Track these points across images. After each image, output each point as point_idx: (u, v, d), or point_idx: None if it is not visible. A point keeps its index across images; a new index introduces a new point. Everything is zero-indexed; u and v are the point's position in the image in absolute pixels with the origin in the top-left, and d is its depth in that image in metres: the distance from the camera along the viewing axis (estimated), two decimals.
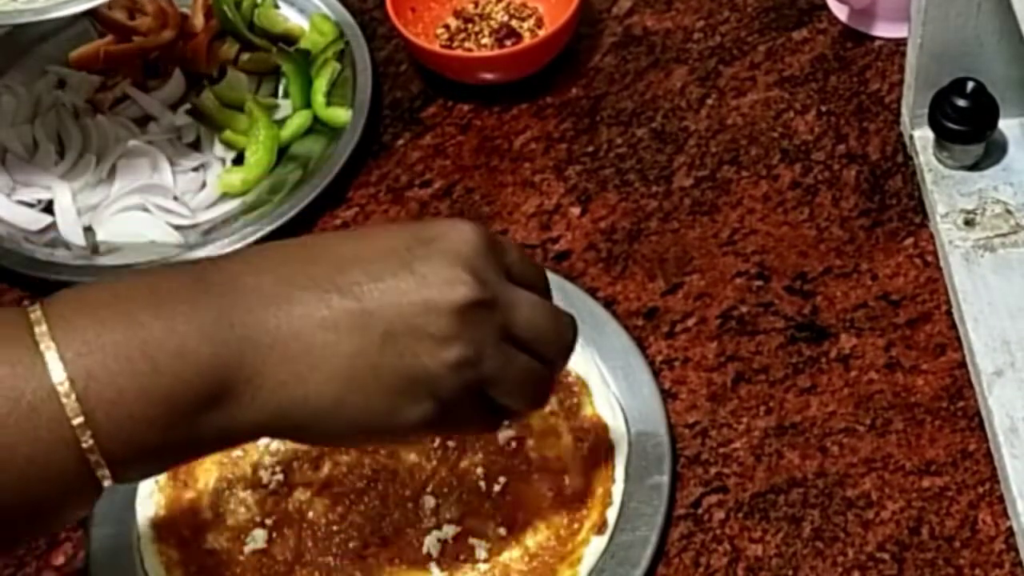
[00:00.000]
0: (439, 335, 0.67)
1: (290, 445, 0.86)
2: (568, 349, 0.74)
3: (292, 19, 1.11)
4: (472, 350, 0.68)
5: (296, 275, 0.66)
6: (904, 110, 0.97)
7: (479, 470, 0.84)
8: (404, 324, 0.66)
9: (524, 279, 0.72)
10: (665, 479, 0.83)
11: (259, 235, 0.98)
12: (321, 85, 1.05)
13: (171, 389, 0.63)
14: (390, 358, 0.66)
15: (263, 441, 0.86)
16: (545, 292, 0.74)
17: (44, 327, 0.62)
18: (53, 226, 1.01)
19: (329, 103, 1.05)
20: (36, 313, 0.62)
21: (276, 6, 1.12)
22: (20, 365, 0.61)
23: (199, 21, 1.10)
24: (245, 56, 1.09)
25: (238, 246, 0.97)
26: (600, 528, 0.81)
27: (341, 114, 1.04)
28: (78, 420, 0.61)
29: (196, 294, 0.64)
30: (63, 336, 0.61)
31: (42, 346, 0.61)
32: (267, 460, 0.86)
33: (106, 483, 0.63)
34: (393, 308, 0.66)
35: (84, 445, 0.61)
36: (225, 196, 1.02)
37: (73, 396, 0.61)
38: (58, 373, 0.61)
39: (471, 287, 0.67)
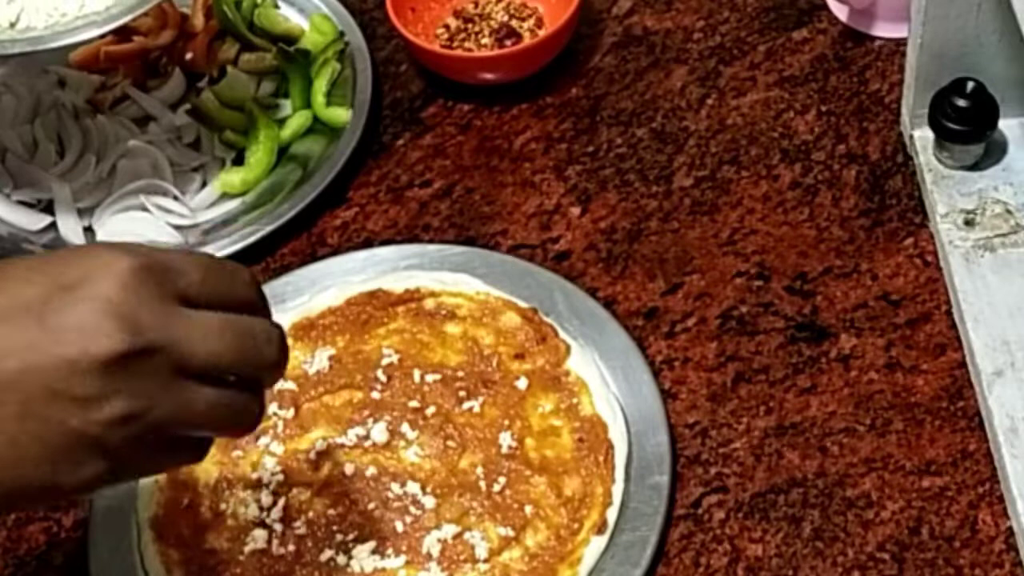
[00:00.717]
0: (85, 396, 0.60)
1: (290, 445, 0.86)
2: (272, 364, 0.66)
3: (292, 19, 1.11)
4: (132, 403, 0.60)
5: None
6: (904, 110, 0.97)
7: (479, 470, 0.84)
8: (42, 390, 0.59)
9: (211, 299, 0.64)
10: (665, 479, 0.83)
11: (259, 235, 0.98)
12: (321, 85, 1.06)
13: None
14: (34, 429, 0.60)
15: (263, 441, 0.86)
16: (243, 305, 0.66)
17: None
18: (53, 226, 1.01)
19: (329, 103, 1.05)
20: None
21: (276, 6, 1.12)
22: None
23: (199, 21, 1.10)
24: (245, 56, 1.09)
25: (238, 246, 0.97)
26: (600, 528, 0.81)
27: (341, 114, 1.04)
28: None
29: None
30: None
31: None
32: (267, 460, 0.86)
33: None
34: (27, 375, 0.59)
35: None
36: (225, 196, 1.02)
37: None
38: None
39: (116, 337, 0.60)
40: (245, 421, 0.67)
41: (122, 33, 1.10)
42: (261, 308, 0.68)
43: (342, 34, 1.09)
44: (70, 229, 1.00)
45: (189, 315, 0.63)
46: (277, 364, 0.67)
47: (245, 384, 0.66)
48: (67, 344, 0.59)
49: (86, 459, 0.61)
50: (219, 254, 0.97)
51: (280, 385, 0.89)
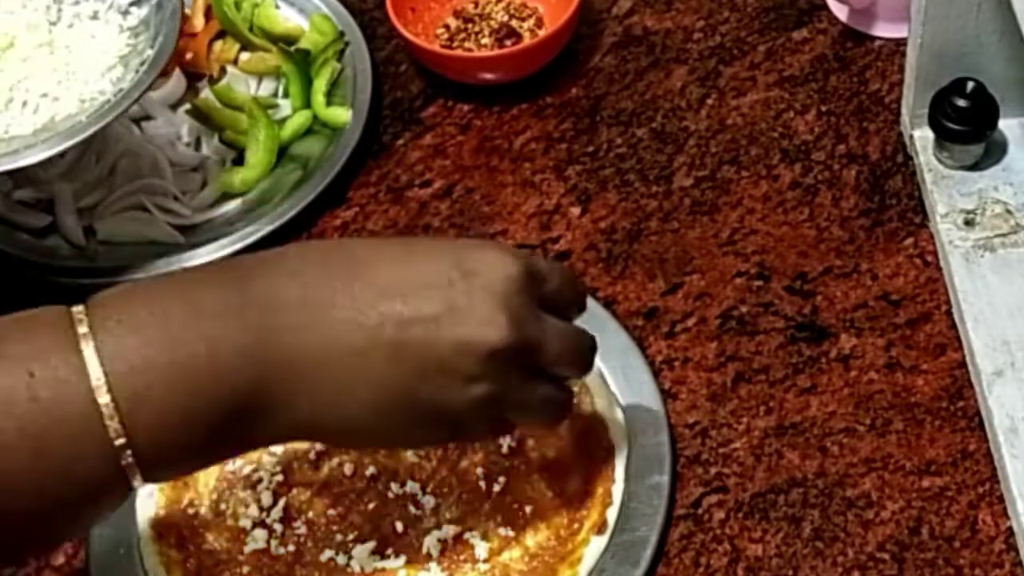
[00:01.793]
0: (468, 374, 0.69)
1: (290, 445, 0.86)
2: (586, 370, 0.77)
3: (292, 19, 1.11)
4: (497, 388, 0.70)
5: (337, 295, 0.68)
6: (904, 110, 0.97)
7: (479, 470, 0.84)
8: (437, 361, 0.68)
9: (560, 305, 0.74)
10: (665, 479, 0.83)
11: (259, 235, 0.98)
12: (321, 85, 1.05)
13: (210, 410, 0.65)
14: (420, 391, 0.69)
15: None
16: (577, 311, 0.77)
17: (91, 346, 0.63)
18: (53, 226, 1.01)
19: (329, 103, 1.05)
20: (83, 327, 0.64)
21: (276, 6, 1.12)
22: (66, 384, 0.63)
23: (199, 21, 1.10)
24: (245, 56, 1.09)
25: (238, 246, 0.97)
26: (600, 528, 0.81)
27: (341, 114, 1.04)
28: (120, 441, 0.63)
29: (237, 310, 0.66)
30: (109, 357, 0.63)
31: (89, 367, 0.63)
32: (267, 460, 0.86)
33: (136, 485, 0.65)
34: (427, 344, 0.68)
35: (124, 463, 0.64)
36: (225, 196, 1.02)
37: (116, 419, 0.63)
38: (103, 395, 0.63)
39: (505, 330, 0.69)
40: (558, 415, 0.77)
41: None
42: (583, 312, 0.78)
43: (342, 34, 1.09)
44: (70, 229, 1.00)
45: (547, 320, 0.73)
46: (589, 369, 0.78)
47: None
48: (466, 326, 0.68)
49: (442, 426, 0.71)
50: (219, 254, 0.97)
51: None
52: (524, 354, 0.71)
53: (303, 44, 1.08)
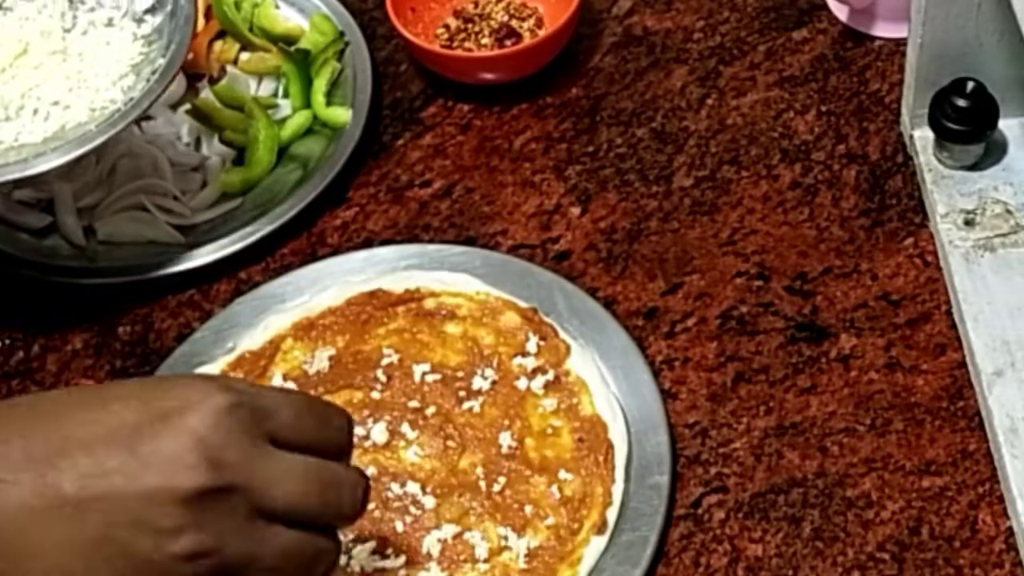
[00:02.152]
0: (162, 528, 0.61)
1: None
2: (352, 515, 0.67)
3: (292, 19, 1.11)
4: (207, 540, 0.61)
5: (14, 452, 0.61)
6: (904, 110, 0.97)
7: (479, 470, 0.84)
8: (125, 516, 0.61)
9: (301, 441, 0.65)
10: (665, 479, 0.83)
11: (259, 235, 0.98)
12: (321, 85, 1.05)
13: None
14: (110, 553, 0.61)
15: None
16: (334, 449, 0.67)
17: None
18: (53, 226, 1.01)
19: (329, 103, 1.05)
20: None
21: (276, 6, 1.12)
22: None
23: (199, 21, 1.10)
24: (245, 56, 1.09)
25: (238, 246, 0.97)
26: (600, 528, 0.81)
27: (341, 114, 1.04)
28: None
29: None
30: None
31: None
32: None
33: None
34: (112, 499, 0.61)
35: None
36: (225, 196, 1.02)
37: None
38: None
39: (201, 473, 0.61)
40: (319, 567, 0.66)
41: None
42: (342, 445, 0.68)
43: (342, 34, 1.09)
44: (70, 229, 1.00)
45: (276, 457, 0.63)
46: (356, 515, 0.67)
47: (321, 529, 0.66)
48: (153, 474, 0.60)
49: None
50: (219, 254, 0.97)
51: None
52: (234, 497, 0.62)
53: (303, 44, 1.08)
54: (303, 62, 1.06)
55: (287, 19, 1.11)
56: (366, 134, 1.03)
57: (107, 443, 0.61)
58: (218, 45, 1.10)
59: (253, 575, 0.64)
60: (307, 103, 1.05)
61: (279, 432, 0.64)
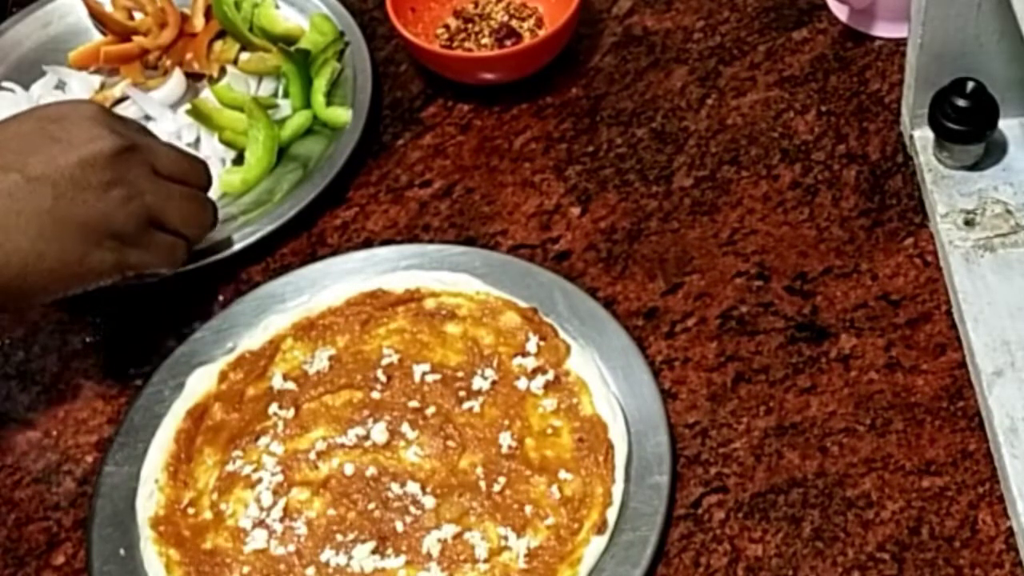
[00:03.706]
0: (100, 182, 0.83)
1: (290, 445, 0.86)
2: (207, 179, 0.93)
3: (292, 19, 1.11)
4: (132, 187, 0.84)
5: None
6: (904, 110, 0.97)
7: (479, 470, 0.84)
8: (68, 182, 0.81)
9: (149, 135, 0.91)
10: (665, 479, 0.83)
11: (259, 235, 0.98)
12: (321, 85, 1.05)
13: None
14: (66, 210, 0.81)
15: (263, 441, 0.86)
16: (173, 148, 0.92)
17: None
18: None
19: (329, 103, 1.05)
20: None
21: (276, 6, 1.12)
22: None
23: (199, 21, 1.10)
24: (245, 56, 1.09)
25: (239, 246, 0.97)
26: (600, 528, 0.81)
27: (341, 114, 1.04)
28: None
29: None
30: None
31: None
32: (267, 460, 0.86)
33: None
34: (55, 171, 0.81)
35: None
36: (225, 196, 1.02)
37: None
38: None
39: (113, 138, 0.84)
40: (210, 212, 0.92)
41: (122, 33, 1.10)
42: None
43: (342, 34, 1.09)
44: None
45: (148, 135, 0.90)
46: (210, 181, 0.93)
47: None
48: (81, 147, 0.83)
49: (105, 239, 0.83)
50: (219, 254, 0.97)
51: (280, 385, 0.89)
52: (138, 154, 0.85)
53: (303, 44, 1.08)
54: (303, 62, 1.06)
55: (287, 19, 1.11)
56: (366, 134, 1.03)
57: (28, 140, 0.83)
58: (218, 45, 1.10)
59: (166, 218, 0.87)
60: (307, 103, 1.05)
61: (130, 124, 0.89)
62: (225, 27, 1.10)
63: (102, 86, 1.09)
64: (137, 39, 1.09)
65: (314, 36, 1.09)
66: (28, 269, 0.80)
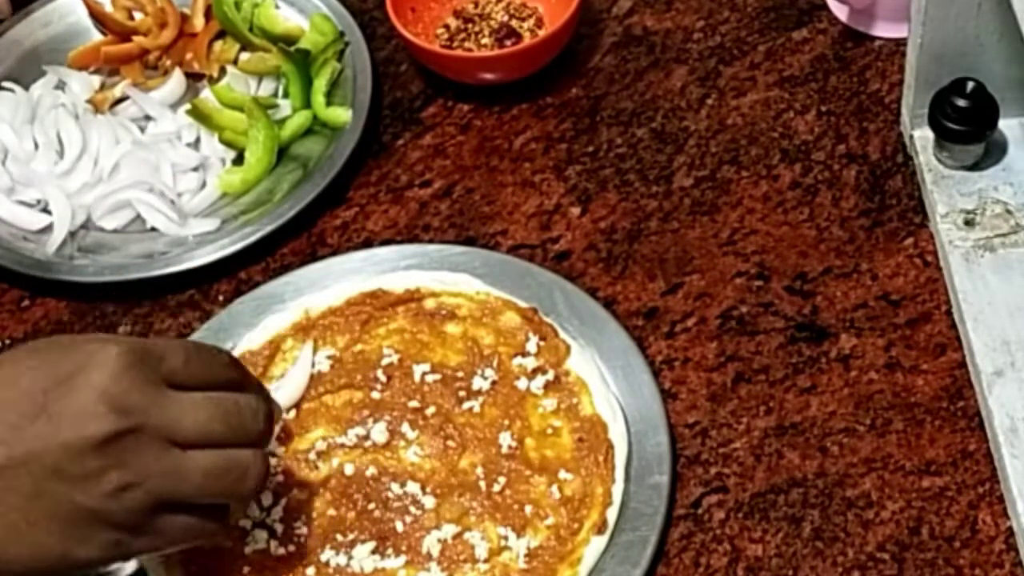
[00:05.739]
0: (85, 473, 0.67)
1: (290, 445, 0.86)
2: (259, 433, 0.74)
3: (292, 19, 1.11)
4: (127, 475, 0.68)
5: None
6: (904, 110, 0.97)
7: (479, 470, 0.84)
8: (49, 471, 0.67)
9: (195, 379, 0.72)
10: (665, 479, 0.83)
11: (259, 235, 0.98)
12: (321, 85, 1.05)
13: None
14: (45, 507, 0.68)
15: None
16: (227, 384, 0.74)
17: None
18: (52, 226, 1.01)
19: (329, 103, 1.05)
20: None
21: (276, 6, 1.12)
22: None
23: (199, 21, 1.10)
24: (245, 56, 1.09)
25: (238, 246, 0.97)
26: (600, 528, 0.81)
27: (341, 114, 1.04)
28: None
29: None
30: None
31: None
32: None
33: None
34: (35, 457, 0.67)
35: None
36: (225, 196, 1.02)
37: None
38: None
39: (109, 419, 0.68)
40: (248, 481, 0.73)
41: (122, 33, 1.10)
42: (246, 386, 0.75)
43: (342, 34, 1.09)
44: (69, 229, 1.00)
45: (176, 395, 0.70)
46: (264, 432, 0.74)
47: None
48: (66, 429, 0.67)
49: (94, 532, 0.69)
50: (219, 254, 0.97)
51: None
52: (144, 433, 0.69)
53: (303, 44, 1.08)
54: (303, 62, 1.06)
55: (287, 19, 1.11)
56: (366, 134, 1.03)
57: (20, 410, 0.68)
58: (218, 45, 1.10)
59: (187, 497, 0.71)
60: (307, 103, 1.05)
61: (174, 376, 0.71)
62: (225, 27, 1.10)
63: (102, 86, 1.09)
64: (137, 39, 1.09)
65: (314, 36, 1.09)
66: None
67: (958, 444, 0.84)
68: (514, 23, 1.08)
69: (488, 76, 1.06)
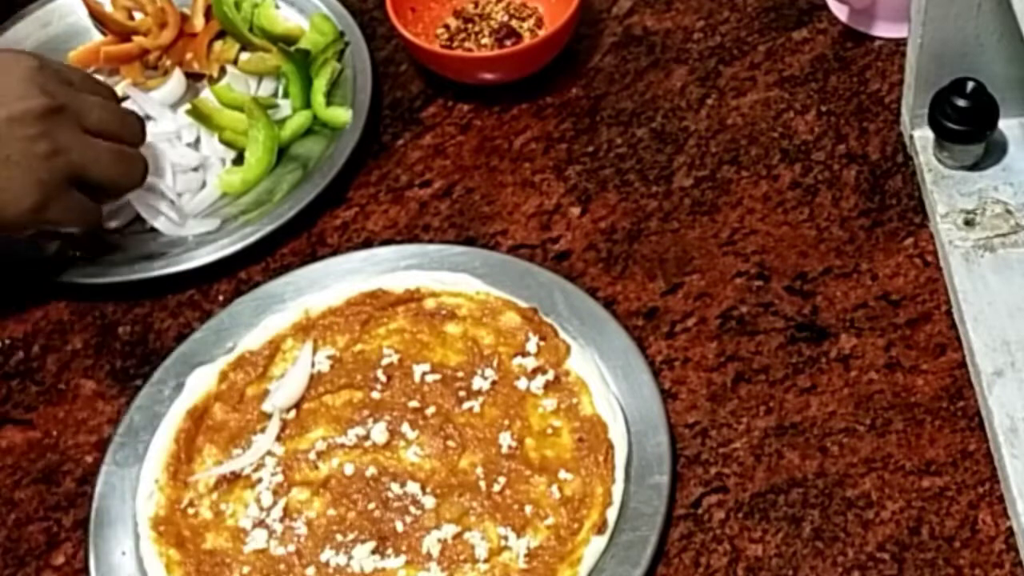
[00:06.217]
0: (26, 137, 0.87)
1: (290, 445, 0.86)
2: (139, 134, 0.96)
3: (292, 19, 1.11)
4: (57, 143, 0.88)
5: None
6: (904, 110, 0.97)
7: (479, 470, 0.84)
8: None
9: (88, 90, 0.94)
10: (665, 479, 0.83)
11: (259, 235, 0.98)
12: (321, 85, 1.05)
13: None
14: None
15: (263, 443, 0.86)
16: (112, 98, 0.97)
17: None
18: None
19: (329, 103, 1.05)
20: None
21: (276, 6, 1.12)
22: None
23: (199, 21, 1.10)
24: (245, 56, 1.09)
25: (238, 246, 0.97)
26: (600, 528, 0.81)
27: (341, 114, 1.04)
28: None
29: None
30: None
31: None
32: (267, 460, 0.86)
33: None
34: None
35: None
36: (225, 196, 1.02)
37: None
38: None
39: (40, 98, 0.88)
40: (136, 171, 0.95)
41: (122, 33, 1.10)
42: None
43: (342, 34, 1.09)
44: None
45: (82, 93, 0.93)
46: (142, 134, 0.97)
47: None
48: (9, 104, 0.88)
49: (24, 192, 0.88)
50: (219, 254, 0.97)
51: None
52: (66, 113, 0.89)
53: (303, 44, 1.08)
54: (303, 62, 1.06)
55: (287, 19, 1.11)
56: (366, 134, 1.03)
57: None
58: (218, 45, 1.10)
59: (91, 172, 0.91)
60: (307, 103, 1.05)
61: (76, 83, 0.94)
62: (225, 27, 1.10)
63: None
64: (137, 39, 1.09)
65: (314, 36, 1.09)
66: None
67: (958, 444, 0.84)
68: (514, 23, 1.08)
69: (488, 76, 1.06)
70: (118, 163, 0.93)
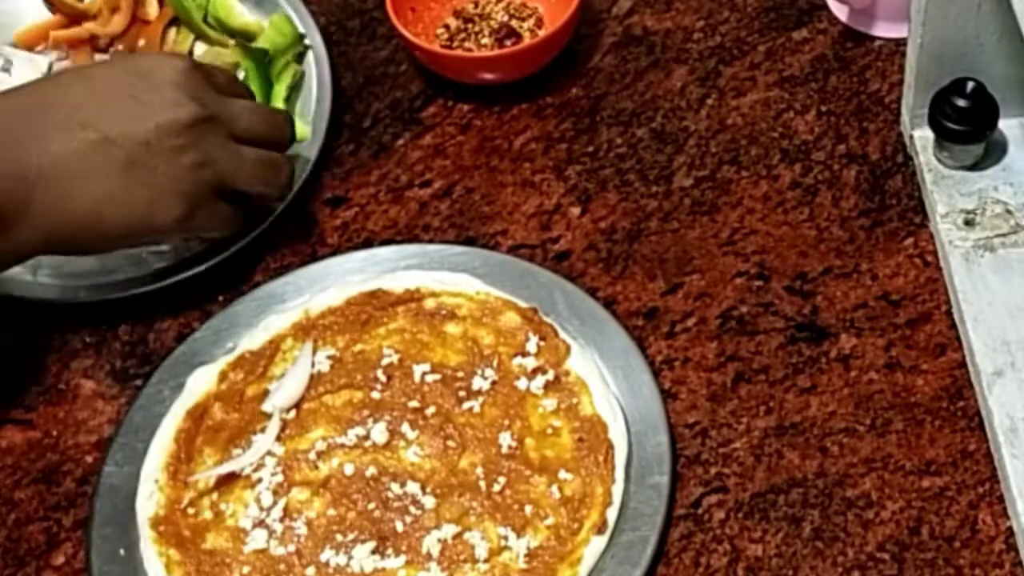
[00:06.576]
0: (174, 147, 0.86)
1: (290, 445, 0.86)
2: (287, 137, 0.96)
3: (252, 15, 1.07)
4: (203, 155, 0.87)
5: (41, 120, 0.84)
6: (904, 110, 0.97)
7: (479, 470, 0.84)
8: (141, 146, 0.85)
9: (235, 93, 0.93)
10: (665, 479, 0.83)
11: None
12: (281, 91, 1.03)
13: None
14: (136, 175, 0.85)
15: (263, 443, 0.86)
16: (253, 99, 0.97)
17: None
18: None
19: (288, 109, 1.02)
20: None
21: None
22: None
23: (152, 8, 1.07)
24: (201, 48, 1.06)
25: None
26: (600, 528, 0.81)
27: (300, 128, 1.00)
28: None
29: None
30: None
31: None
32: (267, 460, 0.86)
33: None
34: (130, 134, 0.85)
35: None
36: None
37: None
38: None
39: (193, 107, 0.87)
40: (283, 174, 0.95)
41: (72, 16, 1.06)
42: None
43: (302, 36, 1.06)
44: None
45: (230, 99, 0.91)
46: (290, 137, 0.96)
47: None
48: (158, 113, 0.86)
49: (173, 200, 0.87)
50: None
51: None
52: (215, 124, 0.88)
53: (261, 42, 1.04)
54: (262, 60, 1.02)
55: (242, 14, 1.07)
56: (324, 150, 1.01)
57: (112, 99, 0.86)
58: (172, 33, 1.07)
59: (237, 182, 0.90)
60: (268, 102, 1.02)
61: (222, 88, 0.92)
62: (178, 14, 1.06)
63: (50, 67, 1.05)
64: (87, 24, 1.05)
65: (272, 35, 1.05)
66: (90, 227, 0.85)
67: (958, 444, 0.84)
68: (514, 23, 1.08)
69: (488, 76, 1.06)
70: (264, 172, 0.92)
